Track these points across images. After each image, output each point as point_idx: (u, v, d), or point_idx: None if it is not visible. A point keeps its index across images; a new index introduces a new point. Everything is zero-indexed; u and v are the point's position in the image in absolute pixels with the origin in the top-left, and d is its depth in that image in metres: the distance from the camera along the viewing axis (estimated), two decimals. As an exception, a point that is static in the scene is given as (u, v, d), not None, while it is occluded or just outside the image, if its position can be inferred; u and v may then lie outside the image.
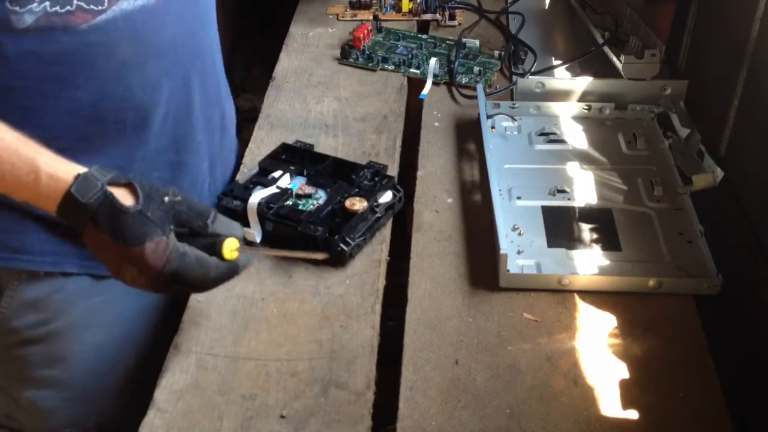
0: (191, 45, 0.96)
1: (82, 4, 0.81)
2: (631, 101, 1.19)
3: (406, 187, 1.07)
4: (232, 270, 0.83)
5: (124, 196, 0.78)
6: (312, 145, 1.10)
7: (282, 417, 0.79)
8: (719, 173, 0.99)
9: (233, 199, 1.01)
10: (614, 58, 1.24)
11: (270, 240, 0.99)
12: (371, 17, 1.45)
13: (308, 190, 1.01)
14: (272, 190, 1.00)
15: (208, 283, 0.82)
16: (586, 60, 1.31)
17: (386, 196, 1.01)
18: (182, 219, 0.81)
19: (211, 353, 0.86)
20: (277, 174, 1.03)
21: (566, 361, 0.85)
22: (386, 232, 1.01)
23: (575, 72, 1.30)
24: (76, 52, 0.84)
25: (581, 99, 1.21)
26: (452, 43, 1.38)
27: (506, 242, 0.93)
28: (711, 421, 0.79)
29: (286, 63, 1.35)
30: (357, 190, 1.01)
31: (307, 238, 0.95)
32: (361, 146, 1.15)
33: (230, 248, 0.81)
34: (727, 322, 0.95)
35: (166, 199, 0.80)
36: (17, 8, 0.78)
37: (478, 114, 1.16)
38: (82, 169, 0.78)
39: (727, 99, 1.10)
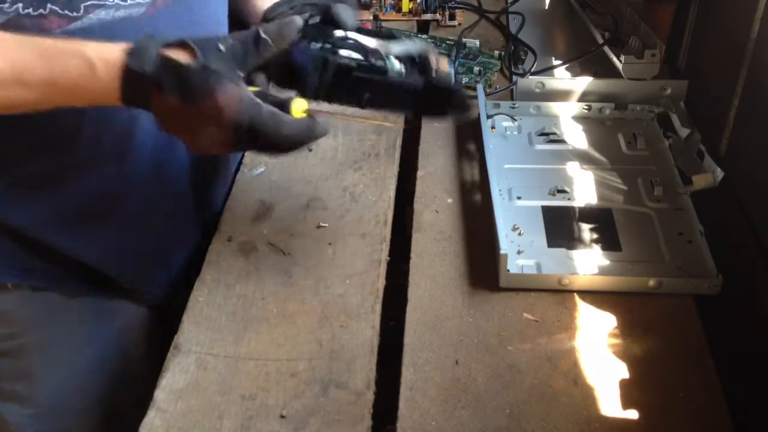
0: None
1: (57, 8, 0.78)
2: (631, 101, 1.19)
3: (407, 187, 1.07)
4: (306, 128, 0.76)
5: (180, 56, 0.73)
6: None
7: (282, 417, 0.79)
8: (719, 173, 0.99)
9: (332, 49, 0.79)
10: (614, 58, 1.24)
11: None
12: (371, 17, 1.45)
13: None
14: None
15: (280, 139, 0.75)
16: (586, 60, 1.31)
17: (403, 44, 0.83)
18: (246, 61, 0.75)
19: (211, 353, 0.86)
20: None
21: (566, 361, 0.85)
22: (386, 231, 1.01)
23: (575, 72, 1.30)
24: None
25: (581, 99, 1.21)
26: (452, 43, 1.38)
27: (506, 242, 0.93)
28: (711, 421, 0.79)
29: (286, 63, 1.35)
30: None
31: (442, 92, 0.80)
32: (361, 146, 1.15)
33: (299, 108, 0.76)
34: (727, 322, 0.95)
35: (221, 47, 0.74)
36: None
37: (478, 114, 1.16)
38: (127, 45, 0.74)
39: (728, 99, 1.09)
